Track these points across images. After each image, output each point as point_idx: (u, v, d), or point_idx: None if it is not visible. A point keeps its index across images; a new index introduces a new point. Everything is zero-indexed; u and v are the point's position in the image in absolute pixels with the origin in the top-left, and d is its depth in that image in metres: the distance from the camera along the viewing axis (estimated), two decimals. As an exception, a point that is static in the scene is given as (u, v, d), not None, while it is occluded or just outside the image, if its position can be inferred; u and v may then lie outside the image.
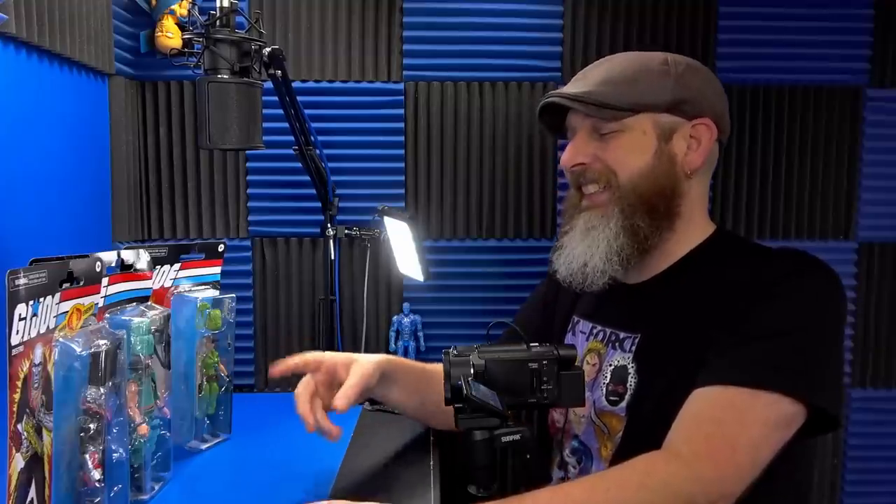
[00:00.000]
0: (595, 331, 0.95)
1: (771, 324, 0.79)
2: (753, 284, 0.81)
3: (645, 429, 0.83)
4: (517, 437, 0.73)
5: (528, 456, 0.74)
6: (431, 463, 0.99)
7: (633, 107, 0.87)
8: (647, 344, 0.87)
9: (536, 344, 0.83)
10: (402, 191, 1.49)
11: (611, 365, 0.90)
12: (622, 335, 0.90)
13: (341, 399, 0.88)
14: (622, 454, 0.86)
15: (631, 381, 0.87)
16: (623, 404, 0.86)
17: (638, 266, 0.90)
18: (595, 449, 0.91)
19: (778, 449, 0.76)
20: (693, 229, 0.91)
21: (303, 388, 0.93)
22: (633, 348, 0.88)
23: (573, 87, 0.91)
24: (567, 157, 0.91)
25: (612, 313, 0.94)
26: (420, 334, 1.48)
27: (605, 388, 0.89)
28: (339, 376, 0.93)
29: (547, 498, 0.71)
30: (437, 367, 1.06)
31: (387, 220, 1.35)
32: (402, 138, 1.48)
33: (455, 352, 0.81)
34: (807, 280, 0.82)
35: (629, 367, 0.87)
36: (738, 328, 0.79)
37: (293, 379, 1.53)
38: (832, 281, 0.82)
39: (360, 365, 0.93)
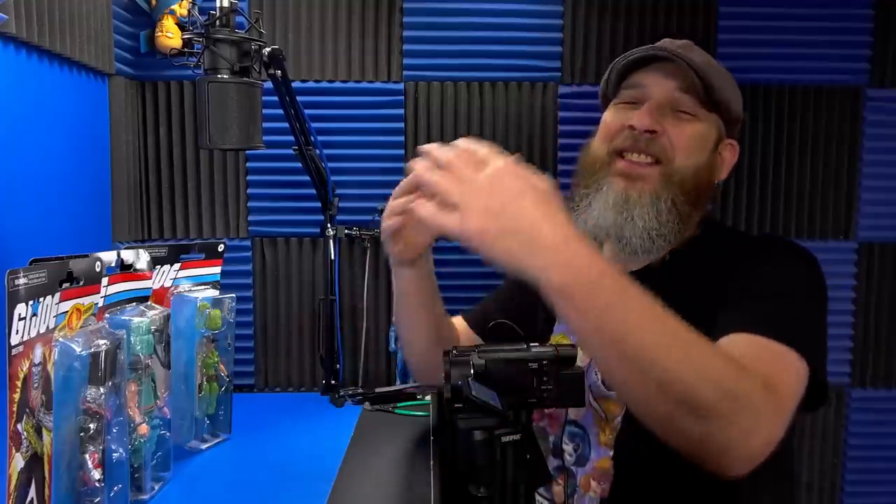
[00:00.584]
0: None
1: (772, 286, 0.81)
2: (746, 253, 0.86)
3: None
4: (517, 437, 0.73)
5: (528, 456, 0.74)
6: (431, 463, 0.99)
7: (722, 103, 0.90)
8: None
9: (536, 344, 0.83)
10: (402, 191, 1.49)
11: None
12: None
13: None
14: (623, 440, 0.86)
15: None
16: None
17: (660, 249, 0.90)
18: (594, 434, 0.90)
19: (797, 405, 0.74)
20: (692, 223, 0.93)
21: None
22: None
23: (679, 49, 0.89)
24: (643, 120, 0.87)
25: None
26: (420, 334, 1.48)
27: (599, 373, 0.89)
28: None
29: (645, 307, 0.63)
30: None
31: (387, 220, 1.35)
32: (402, 138, 1.48)
33: (455, 352, 0.81)
34: (794, 249, 0.87)
35: None
36: (743, 285, 0.81)
37: (292, 379, 1.53)
38: (812, 260, 0.87)
39: None
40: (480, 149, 0.66)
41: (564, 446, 0.96)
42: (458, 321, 1.12)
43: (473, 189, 0.63)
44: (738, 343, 0.74)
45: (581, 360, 0.92)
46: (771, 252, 0.87)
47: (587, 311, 0.62)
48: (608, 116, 0.96)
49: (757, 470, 0.69)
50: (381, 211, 1.35)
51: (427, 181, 0.65)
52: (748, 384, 0.65)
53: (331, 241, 1.35)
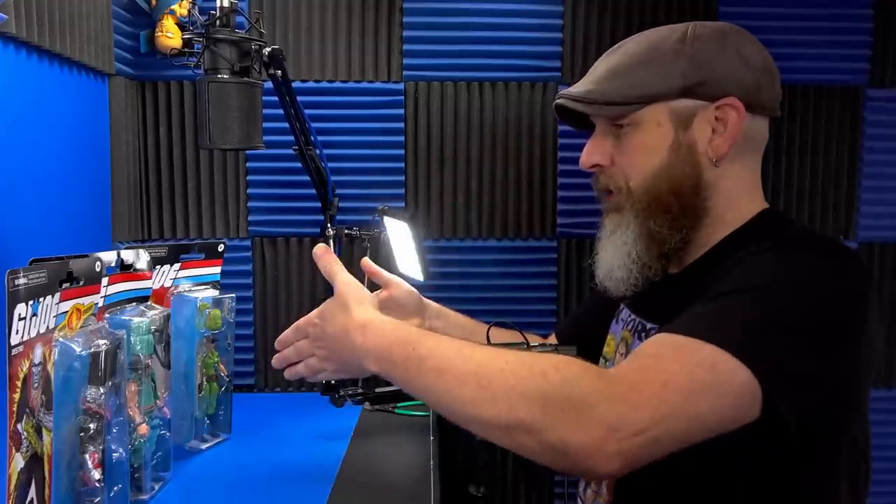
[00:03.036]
0: (629, 319, 0.95)
1: (732, 284, 0.71)
2: (743, 253, 0.76)
3: None
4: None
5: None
6: (431, 463, 0.99)
7: (641, 99, 0.82)
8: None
9: (537, 344, 0.83)
10: (402, 191, 1.49)
11: None
12: (648, 325, 0.90)
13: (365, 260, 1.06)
14: None
15: None
16: None
17: (678, 257, 0.88)
18: None
19: (727, 419, 0.64)
20: (731, 216, 0.85)
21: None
22: None
23: (580, 85, 0.89)
24: (582, 159, 0.90)
25: (648, 303, 0.92)
26: (420, 334, 1.48)
27: None
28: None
29: (450, 346, 0.71)
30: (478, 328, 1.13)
31: (387, 219, 1.35)
32: (402, 138, 1.48)
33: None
34: (808, 257, 0.73)
35: None
36: (709, 289, 0.73)
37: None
38: (850, 275, 0.73)
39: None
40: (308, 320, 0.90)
41: None
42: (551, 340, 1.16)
43: (320, 346, 0.87)
44: (642, 346, 0.70)
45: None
46: (772, 249, 0.75)
47: (401, 383, 0.74)
48: None
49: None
50: (382, 211, 1.36)
51: (309, 365, 0.91)
52: (577, 387, 0.63)
53: (331, 241, 1.35)
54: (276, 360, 0.94)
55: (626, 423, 0.61)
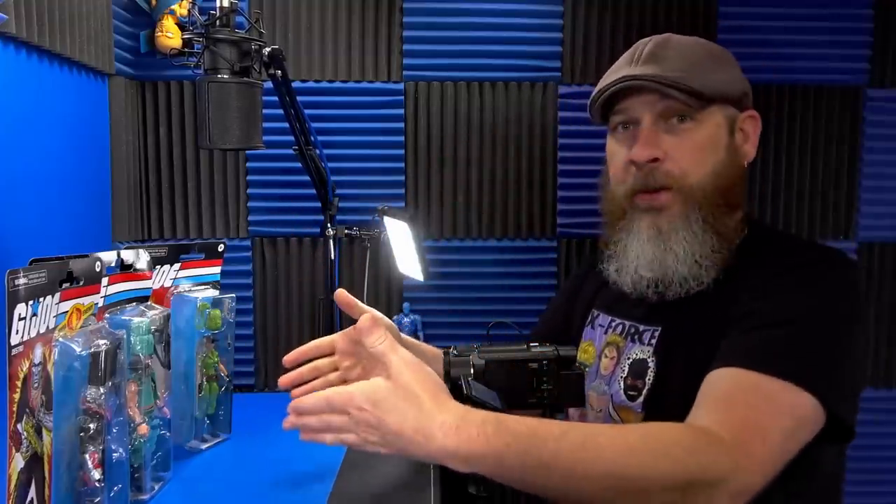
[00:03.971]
0: (614, 324, 0.94)
1: (784, 311, 0.76)
2: (772, 273, 0.80)
3: None
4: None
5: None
6: (432, 466, 0.99)
7: (718, 96, 0.84)
8: (668, 336, 0.86)
9: (536, 344, 0.83)
10: (402, 190, 1.49)
11: (629, 358, 0.89)
12: (642, 328, 0.89)
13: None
14: None
15: (650, 374, 0.85)
16: (640, 400, 0.85)
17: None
18: None
19: (802, 446, 0.72)
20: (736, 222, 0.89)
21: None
22: (654, 341, 0.87)
23: (649, 69, 0.84)
24: (641, 151, 0.84)
25: (633, 307, 0.92)
26: (420, 334, 1.48)
27: (622, 382, 0.88)
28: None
29: (574, 444, 0.65)
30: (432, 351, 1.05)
31: (387, 219, 1.35)
32: (402, 138, 1.48)
33: (455, 352, 0.81)
34: (826, 272, 0.80)
35: (648, 360, 0.86)
36: (755, 312, 0.77)
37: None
38: (851, 280, 0.81)
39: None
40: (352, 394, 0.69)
41: None
42: None
43: (370, 433, 0.68)
44: (722, 382, 0.73)
45: (605, 369, 0.92)
46: (796, 268, 0.80)
47: (511, 483, 0.65)
48: (610, 147, 0.94)
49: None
50: (382, 211, 1.36)
51: (342, 439, 0.71)
52: (706, 457, 0.66)
53: (331, 241, 1.35)
54: (283, 383, 0.89)
55: (746, 488, 0.67)
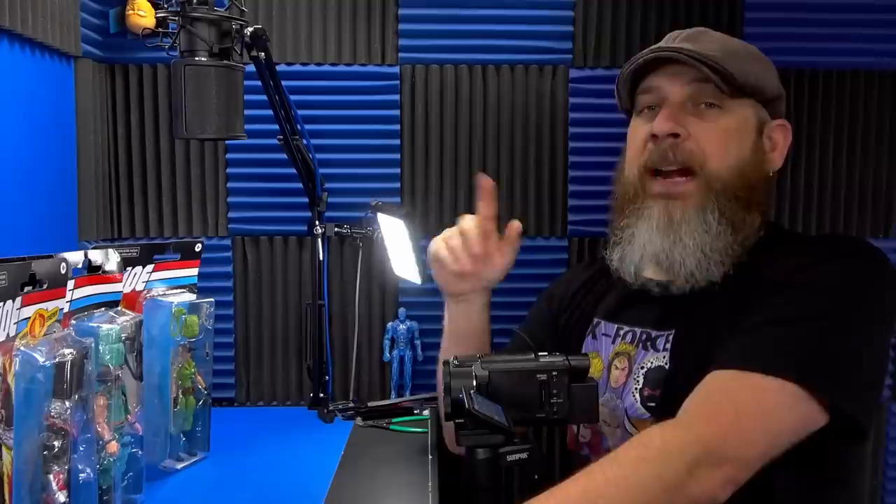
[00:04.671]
0: (623, 332, 0.95)
1: (792, 309, 0.78)
2: (787, 266, 0.82)
3: None
4: (524, 455, 0.73)
5: (536, 476, 0.74)
6: (430, 485, 0.99)
7: (750, 88, 0.87)
8: (684, 339, 0.87)
9: (545, 353, 0.82)
10: (398, 185, 1.49)
11: (643, 367, 0.89)
12: (654, 334, 0.90)
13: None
14: None
15: (668, 382, 0.86)
16: (661, 411, 0.86)
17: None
18: None
19: (797, 436, 0.74)
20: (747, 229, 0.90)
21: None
22: (668, 346, 0.87)
23: (683, 44, 0.88)
24: (662, 123, 0.87)
25: (642, 313, 0.93)
26: (417, 342, 1.48)
27: (639, 394, 0.89)
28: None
29: (543, 499, 0.70)
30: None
31: (380, 216, 1.35)
32: (397, 127, 1.48)
33: (456, 362, 0.81)
34: (841, 265, 0.81)
35: (665, 367, 0.87)
36: (760, 310, 0.79)
37: (276, 392, 1.54)
38: (875, 268, 0.82)
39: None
40: None
41: None
42: None
43: None
44: (711, 386, 0.76)
45: (616, 382, 0.92)
46: (813, 270, 0.81)
47: None
48: (631, 128, 0.97)
49: None
50: (375, 206, 1.36)
51: None
52: (674, 448, 0.70)
53: (319, 241, 1.35)
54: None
55: (724, 460, 0.71)
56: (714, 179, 0.86)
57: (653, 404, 0.87)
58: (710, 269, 0.86)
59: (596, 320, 1.00)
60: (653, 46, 0.90)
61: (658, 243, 0.88)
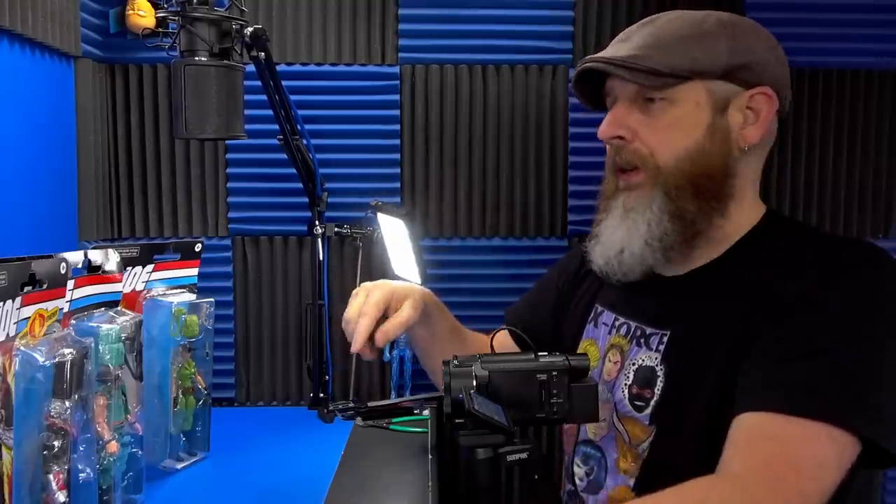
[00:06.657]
0: (618, 324, 0.95)
1: (817, 338, 0.76)
2: (801, 286, 0.79)
3: (677, 444, 0.82)
4: (524, 455, 0.73)
5: (537, 476, 0.74)
6: (430, 485, 0.99)
7: (685, 73, 0.85)
8: (678, 342, 0.86)
9: (545, 353, 0.83)
10: (398, 185, 1.49)
11: (634, 364, 0.89)
12: (648, 331, 0.89)
13: (382, 336, 0.96)
14: (650, 471, 0.85)
15: (659, 384, 0.85)
16: (648, 411, 0.85)
17: (679, 256, 0.89)
18: (612, 459, 0.90)
19: (841, 476, 0.73)
20: (742, 214, 0.89)
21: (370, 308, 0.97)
22: (661, 347, 0.87)
23: (615, 49, 0.89)
24: (604, 128, 0.90)
25: (641, 306, 0.92)
26: (417, 343, 1.48)
27: (627, 391, 0.88)
28: (392, 305, 0.99)
29: None
30: (475, 335, 1.17)
31: (380, 216, 1.35)
32: (397, 127, 1.48)
33: (456, 362, 0.81)
34: (864, 282, 0.79)
35: (657, 369, 0.86)
36: (781, 340, 0.77)
37: (276, 392, 1.53)
38: (893, 279, 0.79)
39: (413, 301, 0.99)
40: None
41: (576, 468, 0.96)
42: (503, 336, 1.13)
43: None
44: (748, 432, 0.74)
45: (608, 374, 0.92)
46: (835, 291, 0.78)
47: None
48: None
49: None
50: (375, 206, 1.36)
51: None
52: None
53: (319, 241, 1.35)
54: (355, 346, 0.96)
55: None
56: (661, 171, 0.87)
57: (640, 403, 0.87)
58: (656, 260, 0.88)
59: (598, 307, 1.00)
60: (584, 60, 0.91)
61: (619, 234, 0.90)
